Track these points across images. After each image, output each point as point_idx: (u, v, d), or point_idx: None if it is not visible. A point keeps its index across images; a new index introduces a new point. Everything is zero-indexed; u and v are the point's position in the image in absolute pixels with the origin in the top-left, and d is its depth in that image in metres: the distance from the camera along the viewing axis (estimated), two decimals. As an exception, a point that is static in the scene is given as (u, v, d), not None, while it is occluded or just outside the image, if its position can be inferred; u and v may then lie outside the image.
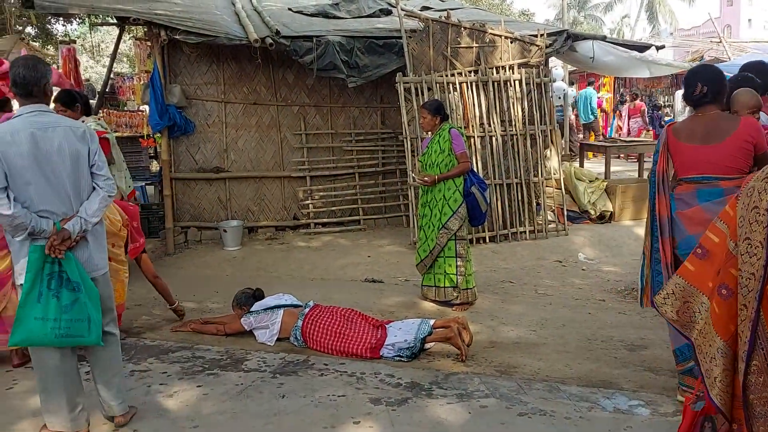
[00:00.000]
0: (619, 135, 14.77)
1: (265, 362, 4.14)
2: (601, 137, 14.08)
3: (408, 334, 4.22)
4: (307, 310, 4.53)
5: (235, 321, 4.65)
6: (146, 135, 9.53)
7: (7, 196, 2.78)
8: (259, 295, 4.81)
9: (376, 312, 5.14)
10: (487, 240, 7.40)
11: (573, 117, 14.72)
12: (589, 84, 15.54)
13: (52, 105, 3.76)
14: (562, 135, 14.25)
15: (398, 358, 4.17)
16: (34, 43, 16.99)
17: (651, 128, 14.54)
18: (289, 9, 8.72)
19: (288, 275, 6.51)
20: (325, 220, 8.24)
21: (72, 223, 2.93)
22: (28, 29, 18.23)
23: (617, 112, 16.06)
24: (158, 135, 7.89)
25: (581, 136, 14.69)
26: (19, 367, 4.03)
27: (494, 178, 7.49)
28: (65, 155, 2.92)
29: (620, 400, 3.60)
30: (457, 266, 5.26)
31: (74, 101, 5.04)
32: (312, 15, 8.46)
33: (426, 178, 5.24)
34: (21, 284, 2.94)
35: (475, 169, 7.21)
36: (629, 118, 14.99)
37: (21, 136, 2.84)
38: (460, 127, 5.49)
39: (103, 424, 3.27)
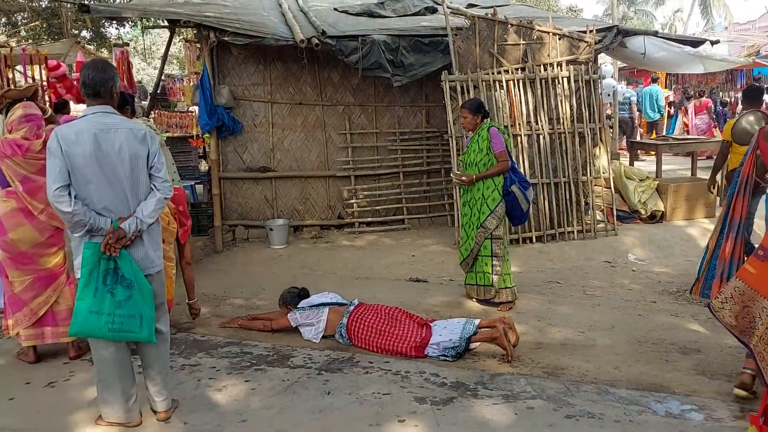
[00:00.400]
0: (687, 132, 14.32)
1: (311, 359, 4.18)
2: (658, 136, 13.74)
3: (453, 333, 4.20)
4: (351, 308, 4.56)
5: (281, 317, 4.71)
6: (195, 135, 9.73)
7: (69, 194, 2.90)
8: (304, 294, 4.87)
9: (420, 311, 5.12)
10: (534, 240, 7.30)
11: (636, 115, 14.41)
12: (654, 81, 15.11)
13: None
14: (626, 133, 14.00)
15: (443, 358, 4.15)
16: (89, 47, 17.54)
17: (717, 125, 14.02)
18: (335, 9, 8.77)
19: (332, 273, 6.55)
20: (369, 219, 8.26)
21: (128, 222, 3.02)
22: (84, 33, 18.84)
23: (683, 108, 15.55)
24: (207, 135, 8.05)
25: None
26: (75, 359, 4.17)
27: (541, 177, 7.37)
28: (125, 156, 3.01)
29: (672, 404, 3.51)
30: (492, 265, 5.24)
31: (125, 104, 5.15)
32: (357, 14, 8.49)
33: (464, 178, 5.24)
34: (78, 277, 3.05)
35: (521, 168, 7.15)
36: (695, 115, 14.51)
37: (85, 136, 2.94)
38: (504, 126, 5.37)
39: (150, 417, 3.35)
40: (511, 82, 7.32)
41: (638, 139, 13.78)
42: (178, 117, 10.70)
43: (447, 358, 4.15)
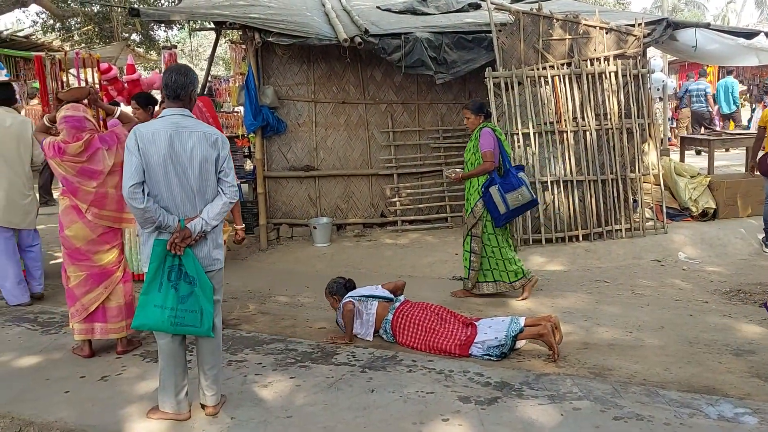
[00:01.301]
0: None
1: (355, 357, 4.20)
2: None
3: (498, 332, 4.16)
4: (397, 304, 4.56)
5: (345, 310, 4.57)
6: (241, 135, 9.89)
7: (143, 191, 3.02)
8: (350, 285, 4.87)
9: (464, 310, 5.10)
10: (581, 238, 7.17)
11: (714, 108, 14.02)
12: (729, 73, 14.71)
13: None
14: (703, 126, 13.61)
15: (487, 357, 4.12)
16: (139, 49, 18.05)
17: None
18: (378, 7, 8.79)
19: (375, 272, 6.56)
20: (412, 217, 8.25)
21: (194, 223, 3.12)
22: (134, 36, 19.36)
23: (762, 102, 14.99)
24: (252, 135, 8.17)
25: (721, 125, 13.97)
26: (123, 354, 4.30)
27: (588, 174, 7.24)
28: (196, 159, 3.11)
29: (725, 407, 3.40)
30: (470, 261, 5.46)
31: (149, 103, 5.23)
32: (400, 12, 8.49)
33: (452, 175, 5.51)
34: (146, 271, 3.17)
35: (567, 165, 7.03)
36: None
37: (160, 136, 3.06)
38: (495, 127, 5.43)
39: (199, 412, 3.42)
40: (557, 77, 7.20)
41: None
42: (224, 117, 10.88)
43: (491, 358, 4.11)
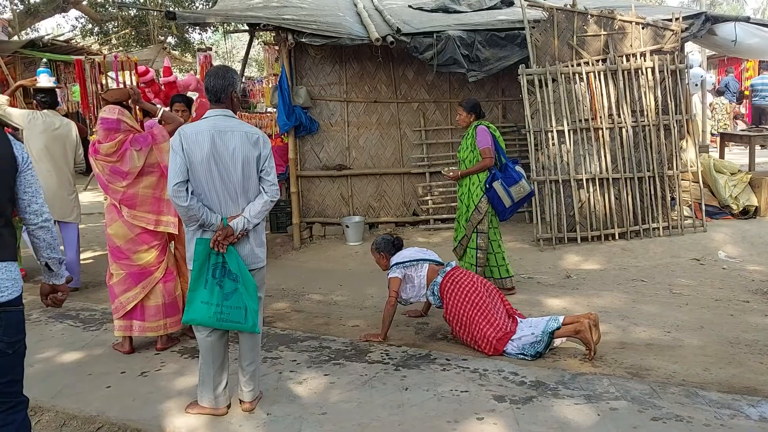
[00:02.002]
0: None
1: (388, 355, 4.21)
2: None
3: (536, 328, 4.13)
4: (448, 268, 4.49)
5: (391, 285, 4.49)
6: (274, 135, 10.00)
7: (186, 189, 3.09)
8: (398, 243, 4.77)
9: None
10: (617, 236, 7.06)
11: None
12: (728, 72, 14.39)
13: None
14: (762, 122, 13.27)
15: (521, 356, 4.08)
16: (174, 52, 18.38)
17: None
18: (410, 6, 8.79)
19: (409, 270, 6.56)
20: (444, 216, 8.22)
21: (236, 221, 3.18)
22: (170, 39, 19.70)
23: None
24: (285, 135, 8.24)
25: None
26: (162, 351, 4.38)
27: (624, 172, 7.12)
28: (238, 158, 3.17)
29: (767, 409, 3.31)
30: (477, 258, 5.46)
31: (190, 104, 5.35)
32: (432, 11, 8.47)
33: (451, 174, 5.52)
34: (191, 269, 3.25)
35: (603, 162, 6.94)
36: None
37: (204, 136, 3.13)
38: (489, 124, 5.52)
39: (236, 407, 3.47)
40: (592, 74, 7.11)
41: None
42: (257, 118, 11.02)
43: (525, 357, 4.08)
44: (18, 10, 16.50)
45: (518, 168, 5.46)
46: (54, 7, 16.70)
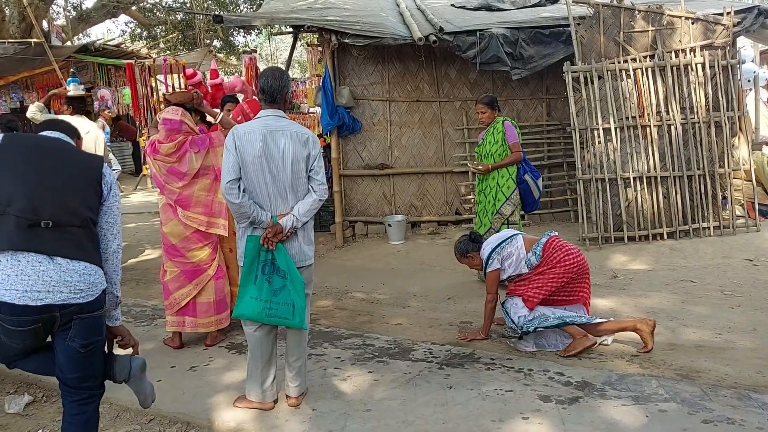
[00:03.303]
0: None
1: (432, 353, 4.22)
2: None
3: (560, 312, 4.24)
4: (553, 234, 4.41)
5: (490, 278, 4.40)
6: (318, 135, 10.10)
7: (239, 187, 3.17)
8: (475, 236, 4.66)
9: (542, 308, 5.03)
10: (665, 236, 6.90)
11: None
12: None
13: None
14: None
15: (511, 327, 4.26)
16: (220, 55, 18.73)
17: None
18: (452, 5, 8.77)
19: (450, 269, 6.55)
20: (487, 215, 8.17)
21: (286, 219, 3.25)
22: (215, 42, 20.09)
23: None
24: (327, 134, 8.33)
25: None
26: (211, 347, 4.48)
27: (673, 170, 6.96)
28: (288, 157, 3.23)
29: (825, 413, 3.20)
30: None
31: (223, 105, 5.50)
32: (475, 9, 8.44)
33: (480, 167, 5.60)
34: (241, 265, 3.33)
35: (651, 160, 6.80)
36: None
37: (255, 135, 3.21)
38: (513, 120, 5.76)
39: (281, 402, 3.53)
40: (639, 70, 6.97)
41: None
42: (301, 118, 11.13)
43: (515, 329, 4.21)
44: (71, 16, 17.07)
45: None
46: (105, 12, 17.20)
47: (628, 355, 4.07)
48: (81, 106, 6.54)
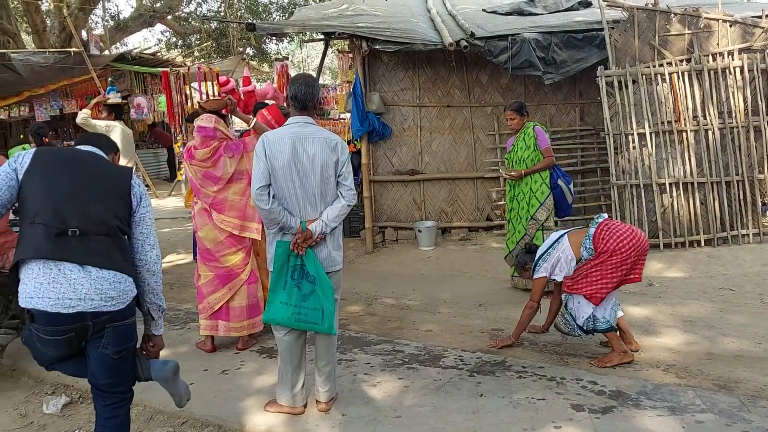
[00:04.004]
0: None
1: (462, 360, 4.18)
2: None
3: (606, 311, 4.08)
4: (600, 219, 4.21)
5: (535, 286, 4.32)
6: (348, 141, 10.14)
7: (268, 193, 3.21)
8: (531, 248, 4.61)
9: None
10: (702, 243, 6.75)
11: None
12: None
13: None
14: None
15: (570, 327, 4.10)
16: (252, 62, 18.98)
17: None
18: (484, 10, 8.73)
19: (481, 276, 6.51)
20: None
21: (315, 225, 3.27)
22: (248, 50, 20.36)
23: None
24: (357, 140, 8.35)
25: None
26: (243, 350, 4.52)
27: (711, 176, 6.81)
28: (317, 163, 3.26)
29: None
30: None
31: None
32: (507, 14, 8.39)
33: (513, 173, 5.53)
34: (271, 270, 3.36)
35: (688, 166, 6.67)
36: None
37: (285, 142, 3.24)
38: (544, 125, 5.70)
39: (311, 407, 3.54)
40: (675, 74, 6.84)
41: None
42: (331, 124, 11.21)
43: (572, 331, 4.10)
44: (109, 26, 17.50)
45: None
46: (141, 22, 17.61)
47: (664, 364, 3.99)
48: (119, 112, 7.00)
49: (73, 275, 2.43)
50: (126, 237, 2.65)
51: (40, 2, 14.33)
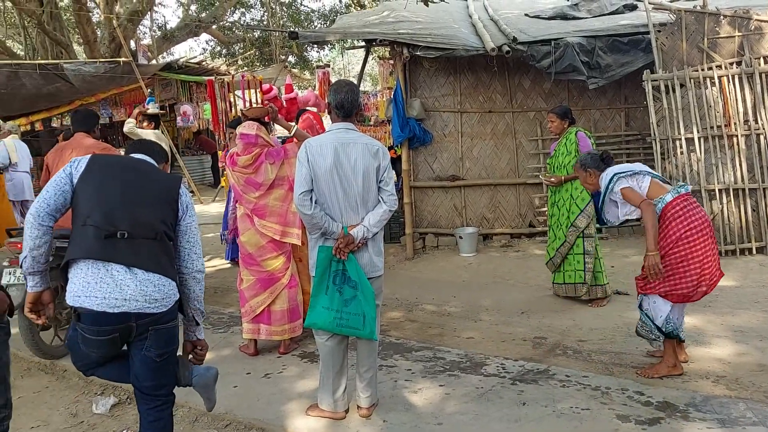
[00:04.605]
0: None
1: (505, 368, 4.14)
2: None
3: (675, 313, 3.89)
4: (683, 190, 3.83)
5: (630, 196, 3.83)
6: (389, 147, 10.16)
7: (311, 199, 3.25)
8: (607, 159, 4.18)
9: (621, 325, 4.85)
10: (754, 251, 6.53)
11: None
12: None
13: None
14: None
15: (651, 325, 3.86)
16: (294, 70, 19.23)
17: None
18: (526, 14, 8.66)
19: (523, 283, 6.43)
20: (562, 227, 7.97)
21: (356, 230, 3.29)
22: (290, 58, 20.64)
23: None
24: (398, 146, 8.36)
25: None
26: (284, 354, 4.57)
27: (763, 182, 6.59)
28: (358, 169, 3.29)
29: None
30: (585, 263, 5.42)
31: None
32: (550, 18, 8.30)
33: (553, 179, 5.48)
34: (313, 275, 3.39)
35: (739, 171, 6.48)
36: None
37: (327, 149, 3.28)
38: (587, 130, 5.57)
39: (353, 413, 3.55)
40: (725, 78, 6.65)
41: None
42: (371, 130, 11.26)
43: (651, 329, 3.87)
44: (156, 36, 17.97)
45: None
46: (187, 32, 18.04)
47: (713, 375, 3.87)
48: (157, 122, 7.52)
49: (120, 276, 2.51)
50: (171, 243, 2.72)
51: (91, 14, 14.82)
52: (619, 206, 3.97)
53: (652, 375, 3.88)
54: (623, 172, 3.93)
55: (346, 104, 3.35)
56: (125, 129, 6.76)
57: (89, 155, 2.73)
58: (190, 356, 2.92)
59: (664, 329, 3.83)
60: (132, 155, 2.90)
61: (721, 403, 3.46)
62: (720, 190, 6.58)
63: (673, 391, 3.66)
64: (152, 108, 7.90)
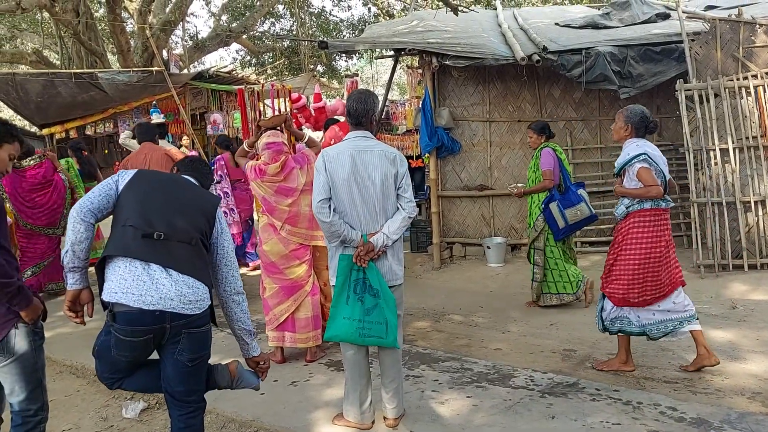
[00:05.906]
0: None
1: (533, 380, 4.08)
2: None
3: (675, 313, 4.14)
4: (663, 204, 4.03)
5: (644, 176, 3.96)
6: (415, 156, 10.16)
7: (329, 207, 3.26)
8: (653, 127, 4.31)
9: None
10: (791, 265, 6.36)
11: None
12: None
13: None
14: None
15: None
16: (323, 79, 19.37)
17: None
18: (557, 24, 8.61)
19: (553, 294, 6.34)
20: (593, 239, 7.88)
21: (376, 237, 3.28)
22: (319, 67, 20.80)
23: None
24: (426, 156, 8.35)
25: None
26: (311, 362, 4.57)
27: (800, 194, 6.42)
28: (376, 176, 3.29)
29: None
30: (533, 273, 5.78)
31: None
32: (580, 27, 8.23)
33: (515, 191, 5.81)
34: (333, 285, 3.38)
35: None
36: None
37: (344, 157, 3.29)
38: (556, 147, 5.69)
39: (379, 423, 3.52)
40: (761, 87, 6.51)
41: None
42: (399, 139, 11.28)
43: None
44: (188, 46, 18.26)
45: (581, 192, 5.64)
46: (218, 41, 18.29)
47: (749, 391, 3.77)
48: (163, 131, 7.69)
49: (156, 275, 2.58)
50: (206, 252, 2.80)
51: (125, 24, 15.13)
52: (626, 179, 4.11)
53: (604, 368, 4.19)
54: (650, 158, 4.00)
55: (353, 111, 3.37)
56: (120, 140, 7.21)
57: (136, 170, 2.86)
58: (256, 371, 3.06)
59: (605, 324, 4.17)
60: (180, 174, 3.04)
61: (757, 420, 3.37)
62: (756, 202, 6.43)
63: (707, 407, 3.57)
64: (156, 118, 8.13)
